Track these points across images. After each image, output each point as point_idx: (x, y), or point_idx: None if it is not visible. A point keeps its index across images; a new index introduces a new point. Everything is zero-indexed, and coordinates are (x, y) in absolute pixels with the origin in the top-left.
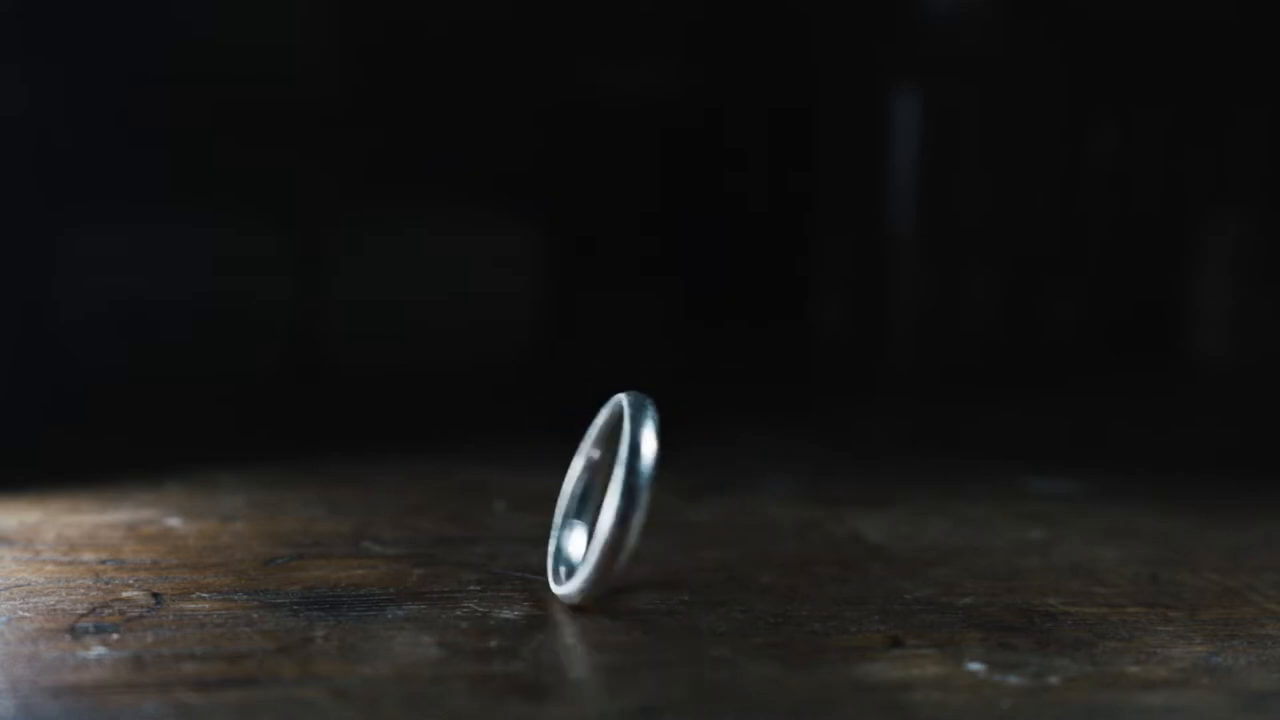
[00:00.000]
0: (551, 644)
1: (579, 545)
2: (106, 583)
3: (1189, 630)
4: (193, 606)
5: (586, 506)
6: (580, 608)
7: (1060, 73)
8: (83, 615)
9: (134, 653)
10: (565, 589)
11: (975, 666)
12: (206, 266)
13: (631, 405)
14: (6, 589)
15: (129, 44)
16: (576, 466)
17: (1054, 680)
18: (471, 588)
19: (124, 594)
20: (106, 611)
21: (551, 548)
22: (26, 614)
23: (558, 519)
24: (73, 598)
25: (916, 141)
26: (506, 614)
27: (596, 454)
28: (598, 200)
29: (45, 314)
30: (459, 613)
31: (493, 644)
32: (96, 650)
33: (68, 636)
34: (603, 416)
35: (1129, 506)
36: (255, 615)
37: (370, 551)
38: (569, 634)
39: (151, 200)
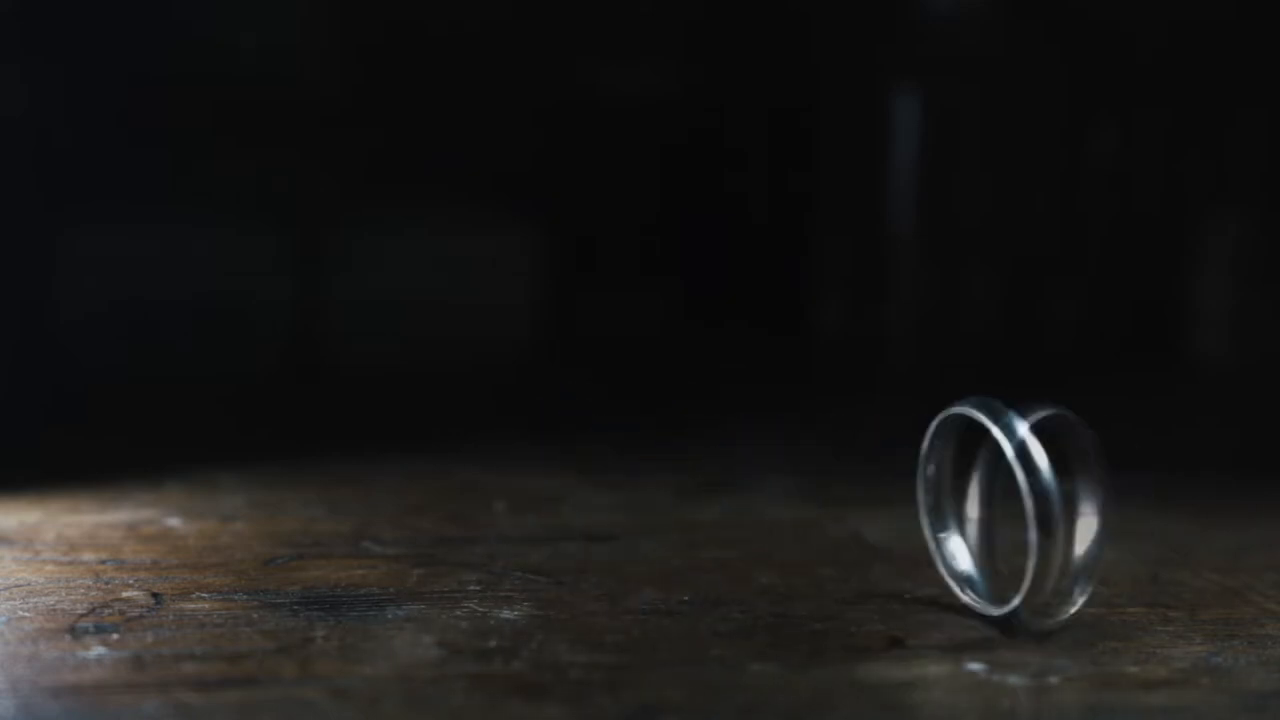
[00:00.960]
0: (551, 644)
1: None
2: (106, 583)
3: (1189, 630)
4: (193, 606)
5: (943, 518)
6: (577, 611)
7: (1060, 73)
8: (83, 615)
9: (134, 653)
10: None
11: (975, 666)
12: (206, 266)
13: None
14: (6, 589)
15: (129, 44)
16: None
17: (1054, 680)
18: (471, 588)
19: (124, 594)
20: (106, 611)
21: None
22: (26, 614)
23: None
24: (73, 598)
25: (916, 141)
26: (506, 614)
27: (931, 469)
28: (598, 200)
29: (45, 314)
30: (459, 613)
31: (492, 644)
32: (96, 650)
33: (68, 636)
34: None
35: (1129, 506)
36: (255, 615)
37: (370, 551)
38: (569, 634)
39: (151, 200)
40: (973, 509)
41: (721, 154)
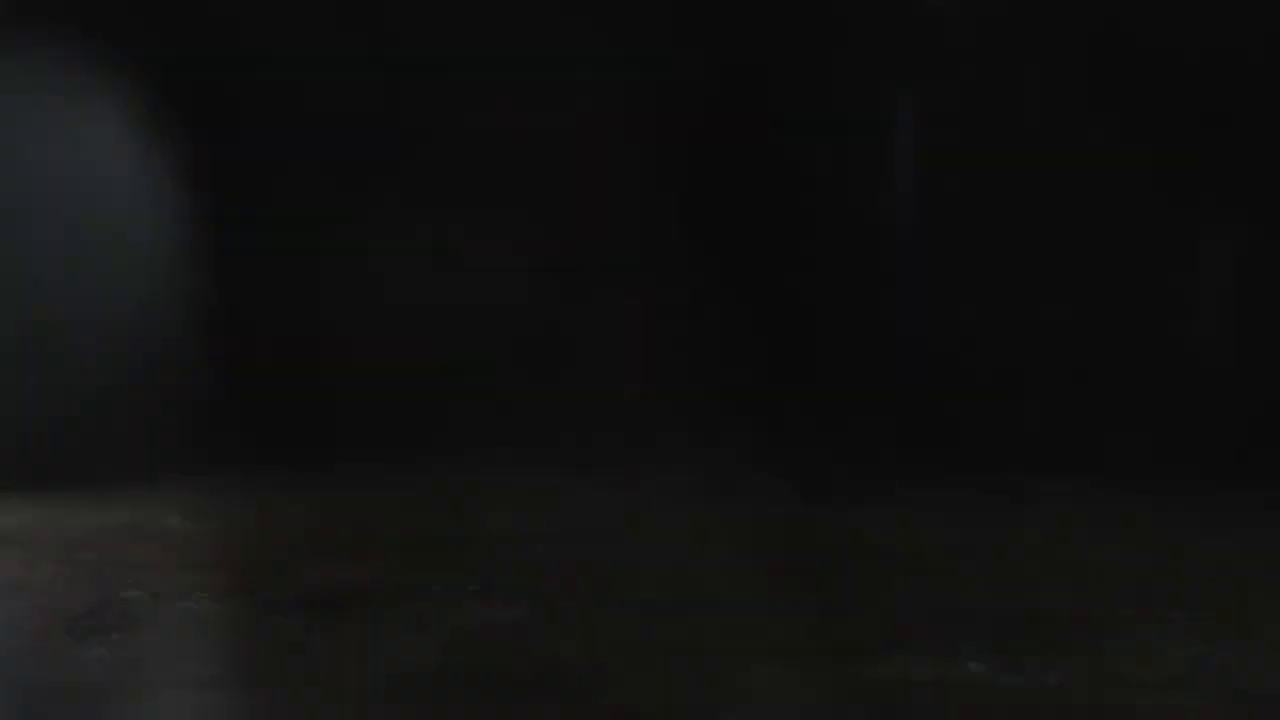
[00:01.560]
0: (551, 644)
1: None
2: (106, 582)
3: (1189, 630)
4: (192, 606)
5: None
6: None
7: (1058, 73)
8: (82, 615)
9: (133, 653)
10: None
11: (975, 667)
12: (205, 266)
13: None
14: (6, 589)
15: (130, 44)
16: None
17: (1054, 680)
18: (471, 588)
19: (124, 594)
20: (106, 611)
21: None
22: (26, 614)
23: None
24: (72, 598)
25: (916, 141)
26: (506, 614)
27: None
28: (599, 202)
29: (45, 314)
30: (459, 613)
31: (492, 644)
32: (96, 650)
33: (67, 636)
34: None
35: (1129, 506)
36: (255, 615)
37: (369, 552)
38: (569, 634)
39: (151, 200)
40: None
41: (721, 154)
